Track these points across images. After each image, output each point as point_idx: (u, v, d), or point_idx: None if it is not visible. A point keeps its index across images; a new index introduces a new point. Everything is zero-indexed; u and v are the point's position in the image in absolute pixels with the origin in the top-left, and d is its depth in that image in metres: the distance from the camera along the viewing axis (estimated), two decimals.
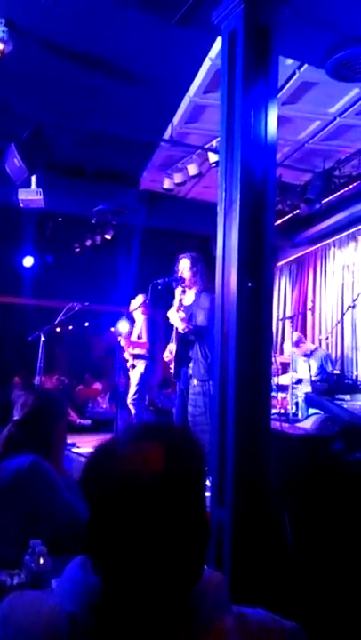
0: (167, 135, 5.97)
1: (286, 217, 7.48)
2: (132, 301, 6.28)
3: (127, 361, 6.30)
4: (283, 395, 6.18)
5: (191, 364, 4.46)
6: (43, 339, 5.89)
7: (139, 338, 6.26)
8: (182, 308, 4.58)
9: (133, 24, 4.11)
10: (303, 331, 8.33)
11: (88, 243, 8.74)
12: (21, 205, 5.95)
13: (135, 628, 0.83)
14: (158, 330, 6.44)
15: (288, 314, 8.71)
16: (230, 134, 2.76)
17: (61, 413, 2.29)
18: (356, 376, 7.01)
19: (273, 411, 4.62)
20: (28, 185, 5.79)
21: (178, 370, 4.56)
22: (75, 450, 5.14)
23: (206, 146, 6.16)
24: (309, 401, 5.17)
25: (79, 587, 0.88)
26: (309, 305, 8.39)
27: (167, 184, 6.76)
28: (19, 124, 5.32)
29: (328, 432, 3.56)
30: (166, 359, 4.76)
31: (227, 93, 2.79)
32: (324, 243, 8.21)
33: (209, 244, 6.84)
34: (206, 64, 4.68)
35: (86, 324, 11.89)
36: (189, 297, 4.66)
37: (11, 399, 2.27)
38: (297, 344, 6.69)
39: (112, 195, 7.36)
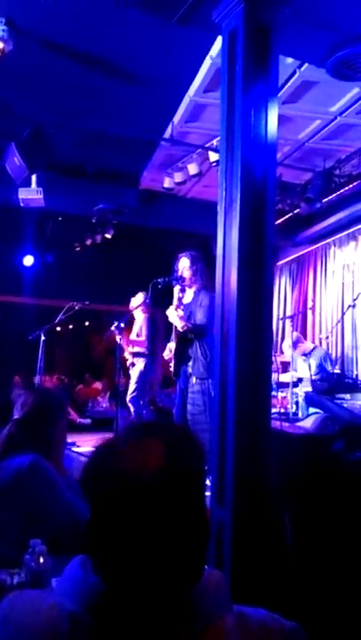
0: (167, 134, 5.97)
1: (286, 216, 7.47)
2: (132, 299, 6.28)
3: (127, 360, 6.31)
4: (283, 394, 6.18)
5: (190, 363, 4.46)
6: (43, 338, 5.90)
7: (138, 336, 6.26)
8: (181, 307, 4.58)
9: (133, 23, 4.11)
10: (303, 330, 8.33)
11: (88, 242, 8.74)
12: (21, 205, 5.95)
13: (135, 627, 0.83)
14: (158, 329, 6.44)
15: (288, 313, 8.71)
16: (231, 133, 2.76)
17: (61, 412, 2.29)
18: (357, 375, 7.01)
19: (273, 410, 4.62)
20: (29, 184, 5.79)
21: (177, 368, 4.57)
22: (75, 449, 5.14)
23: (207, 145, 6.16)
24: (309, 400, 5.17)
25: (79, 586, 0.88)
26: (310, 304, 8.39)
27: (167, 183, 6.76)
28: (19, 124, 5.32)
29: (328, 431, 3.56)
30: (166, 357, 4.76)
31: (227, 92, 2.79)
32: (324, 242, 8.21)
33: (209, 244, 6.83)
34: (207, 63, 4.67)
35: (86, 324, 11.90)
36: (189, 295, 4.66)
37: (11, 398, 2.27)
38: (295, 344, 6.69)
39: (112, 194, 7.36)
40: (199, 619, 0.85)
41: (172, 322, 4.58)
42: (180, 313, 4.51)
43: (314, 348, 6.92)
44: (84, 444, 5.26)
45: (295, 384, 6.18)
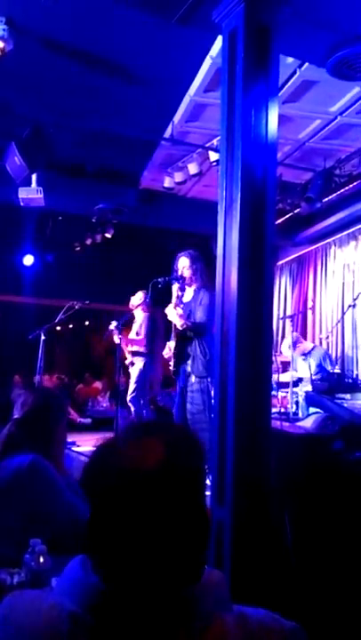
0: (168, 134, 5.97)
1: (287, 216, 7.47)
2: (132, 298, 6.28)
3: (126, 359, 6.31)
4: (283, 393, 6.18)
5: (190, 361, 4.46)
6: (43, 337, 5.90)
7: (137, 335, 6.27)
8: (181, 305, 4.58)
9: (133, 23, 4.11)
10: (303, 330, 8.33)
11: (88, 241, 8.74)
12: (22, 204, 5.95)
13: (135, 627, 0.83)
14: (158, 328, 6.44)
15: (288, 313, 8.71)
16: (231, 133, 2.76)
17: (61, 412, 2.29)
18: (357, 375, 7.01)
19: (273, 409, 4.61)
20: (29, 183, 5.79)
21: (177, 367, 4.57)
22: (75, 448, 5.15)
23: (207, 145, 6.16)
24: (310, 400, 5.17)
25: (79, 586, 0.88)
26: (310, 304, 8.39)
27: (167, 183, 6.76)
28: (19, 124, 5.32)
29: (328, 431, 3.56)
30: (166, 356, 4.77)
31: (227, 92, 2.79)
32: (324, 242, 8.21)
33: (209, 243, 6.83)
34: (207, 63, 4.67)
35: (86, 323, 11.90)
36: (188, 294, 4.66)
37: (11, 398, 2.27)
38: (295, 344, 6.69)
39: (112, 193, 7.36)
40: (199, 619, 0.85)
41: (171, 320, 4.59)
42: (180, 311, 4.51)
43: (313, 348, 6.91)
44: (84, 444, 5.26)
45: (295, 384, 6.17)
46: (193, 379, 4.41)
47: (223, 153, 2.82)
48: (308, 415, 4.38)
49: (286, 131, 5.71)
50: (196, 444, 0.97)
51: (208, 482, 2.50)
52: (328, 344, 7.65)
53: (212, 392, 4.02)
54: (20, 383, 8.62)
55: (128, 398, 6.14)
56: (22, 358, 7.90)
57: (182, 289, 4.64)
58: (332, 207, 7.20)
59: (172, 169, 6.74)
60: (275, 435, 2.99)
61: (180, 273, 4.64)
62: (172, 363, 4.62)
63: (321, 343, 7.69)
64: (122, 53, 4.62)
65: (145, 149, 6.49)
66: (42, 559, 1.58)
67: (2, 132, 5.52)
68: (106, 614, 0.84)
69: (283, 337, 7.82)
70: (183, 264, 4.64)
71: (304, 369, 6.33)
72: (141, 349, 6.19)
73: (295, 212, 7.35)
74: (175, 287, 4.63)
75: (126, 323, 6.05)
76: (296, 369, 6.54)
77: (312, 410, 4.68)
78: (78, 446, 5.25)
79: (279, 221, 7.26)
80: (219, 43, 4.03)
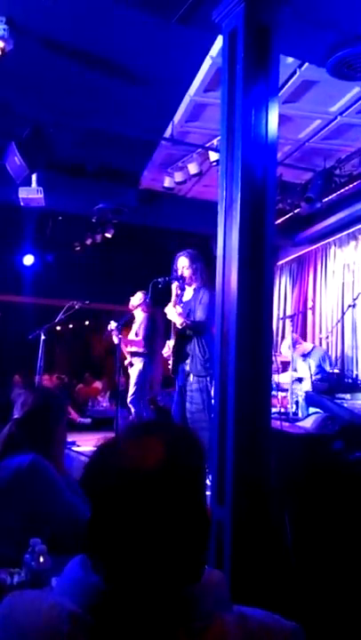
0: (168, 134, 5.97)
1: (287, 216, 7.47)
2: (132, 298, 6.28)
3: (125, 359, 6.31)
4: (283, 393, 6.18)
5: (188, 361, 4.46)
6: (43, 337, 5.89)
7: (136, 335, 6.26)
8: (181, 304, 4.59)
9: (133, 23, 4.11)
10: (303, 330, 8.33)
11: (88, 241, 8.74)
12: (22, 204, 5.95)
13: (135, 626, 0.83)
14: (158, 328, 6.43)
15: (288, 313, 8.71)
16: (231, 133, 2.75)
17: (61, 412, 2.29)
18: (357, 375, 7.01)
19: (273, 409, 4.61)
20: (29, 183, 5.80)
21: (175, 366, 4.57)
22: (75, 448, 5.14)
23: (207, 145, 6.16)
24: (310, 400, 5.17)
25: (79, 586, 0.88)
26: (310, 304, 8.39)
27: (167, 183, 6.76)
28: (19, 124, 5.32)
29: (328, 431, 3.56)
30: (165, 355, 4.77)
31: (227, 92, 2.78)
32: (324, 242, 8.21)
33: (209, 243, 6.84)
34: (207, 63, 4.67)
35: (86, 323, 11.91)
36: (188, 293, 4.66)
37: (11, 398, 2.27)
38: (293, 345, 6.69)
39: (112, 193, 7.36)
40: (199, 619, 0.85)
41: (170, 319, 4.59)
42: (179, 310, 4.52)
43: (313, 349, 6.91)
44: (84, 444, 5.26)
45: (295, 384, 6.17)
46: (192, 378, 4.41)
47: (223, 153, 2.82)
48: (308, 415, 4.38)
49: (286, 131, 5.71)
50: (197, 444, 0.97)
51: (208, 482, 2.50)
52: (328, 344, 7.64)
53: (212, 391, 4.03)
54: (20, 383, 8.63)
55: (128, 400, 6.14)
56: (22, 358, 7.90)
57: (182, 288, 4.64)
58: (332, 207, 7.20)
59: (172, 169, 6.74)
60: (275, 435, 2.99)
61: (179, 273, 4.65)
62: (170, 362, 4.62)
63: (321, 343, 7.69)
64: (122, 53, 4.62)
65: (145, 149, 6.49)
66: (42, 559, 1.58)
67: (2, 131, 5.52)
68: (106, 614, 0.84)
69: (283, 337, 7.82)
70: (183, 264, 4.65)
71: (304, 369, 6.33)
72: (140, 350, 6.19)
73: (295, 212, 7.35)
74: (175, 285, 4.63)
75: (126, 323, 6.05)
76: (296, 369, 6.54)
77: (312, 410, 4.67)
78: (78, 446, 5.25)
79: (279, 221, 7.26)
80: (219, 43, 4.03)
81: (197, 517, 0.91)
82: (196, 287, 4.62)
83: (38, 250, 9.44)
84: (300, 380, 6.28)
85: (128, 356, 6.29)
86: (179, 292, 4.62)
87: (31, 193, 5.82)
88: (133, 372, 6.22)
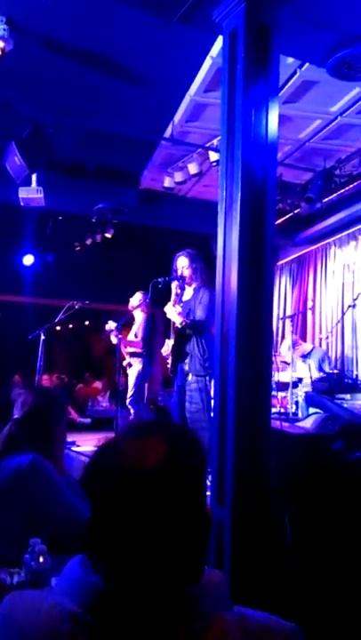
0: (168, 134, 5.97)
1: (287, 216, 7.47)
2: (131, 299, 6.28)
3: (124, 359, 6.31)
4: (283, 394, 6.18)
5: (187, 360, 4.46)
6: (43, 337, 5.89)
7: (136, 336, 6.26)
8: (180, 304, 4.59)
9: (134, 23, 4.11)
10: (303, 330, 8.33)
11: (88, 241, 8.74)
12: (22, 204, 5.95)
13: (135, 626, 0.83)
14: (158, 328, 6.43)
15: (288, 313, 8.70)
16: (231, 133, 2.75)
17: (61, 412, 2.29)
18: (357, 375, 7.01)
19: (273, 410, 4.62)
20: (29, 183, 5.79)
21: (174, 365, 4.57)
22: (75, 448, 5.15)
23: (207, 145, 6.15)
24: (309, 400, 5.17)
25: (79, 586, 0.88)
26: (310, 304, 8.39)
27: (167, 183, 6.76)
28: (19, 124, 5.32)
29: (328, 431, 3.56)
30: (164, 353, 4.77)
31: (228, 92, 2.79)
32: (324, 242, 8.21)
33: (209, 243, 6.84)
34: (207, 63, 4.67)
35: (86, 323, 11.91)
36: (188, 292, 4.67)
37: (11, 398, 2.27)
38: (293, 346, 6.69)
39: (112, 193, 7.36)
40: (199, 619, 0.85)
41: (170, 318, 4.59)
42: (178, 309, 4.52)
43: (312, 349, 6.92)
44: (84, 444, 5.26)
45: (295, 384, 6.18)
46: (190, 377, 4.41)
47: (223, 153, 2.82)
48: (308, 415, 4.38)
49: (286, 131, 5.71)
50: (197, 444, 0.97)
51: (208, 482, 2.50)
52: (328, 344, 7.64)
53: (211, 391, 4.03)
54: (19, 383, 8.63)
55: (127, 401, 6.14)
56: (22, 358, 7.90)
57: (182, 288, 4.64)
58: (332, 207, 7.20)
59: (172, 169, 6.74)
60: (275, 435, 2.99)
61: (179, 273, 4.65)
62: (169, 361, 4.62)
63: (321, 343, 7.69)
64: (122, 53, 4.62)
65: (145, 149, 6.48)
66: (42, 559, 1.58)
67: (2, 131, 5.52)
68: (106, 614, 0.84)
69: (283, 337, 7.82)
70: (182, 263, 4.65)
71: (304, 370, 6.33)
72: (138, 350, 6.19)
73: (295, 212, 7.35)
74: (174, 285, 4.63)
75: (126, 323, 6.05)
76: (295, 370, 6.54)
77: (312, 410, 4.68)
78: (78, 446, 5.25)
79: (279, 221, 7.26)
80: (219, 43, 4.03)
81: (197, 517, 0.91)
82: (195, 287, 4.62)
83: (38, 250, 9.43)
84: (300, 380, 6.29)
85: (127, 357, 6.29)
86: (178, 291, 4.63)
87: (31, 193, 5.82)
88: (132, 373, 6.22)
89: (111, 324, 5.69)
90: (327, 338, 7.72)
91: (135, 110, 5.50)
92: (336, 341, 7.62)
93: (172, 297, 4.62)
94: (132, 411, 6.13)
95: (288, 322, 7.91)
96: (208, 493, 2.43)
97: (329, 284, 8.10)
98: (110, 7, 3.95)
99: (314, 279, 8.47)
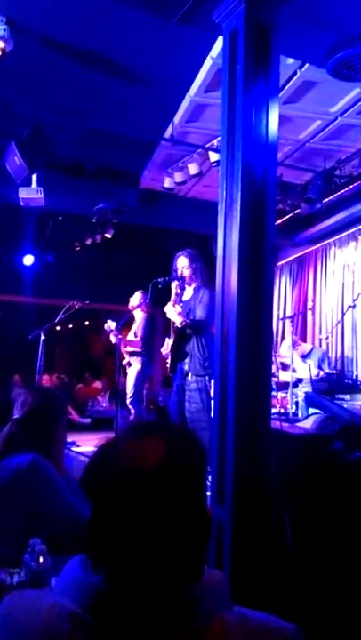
0: (168, 134, 5.97)
1: (287, 216, 7.47)
2: (131, 299, 6.28)
3: (124, 359, 6.31)
4: (283, 394, 6.18)
5: (187, 360, 4.46)
6: (43, 337, 5.89)
7: (135, 336, 6.26)
8: (180, 304, 4.59)
9: (134, 23, 4.11)
10: (303, 330, 8.33)
11: (88, 241, 8.74)
12: (22, 204, 5.95)
13: (135, 626, 0.83)
14: (158, 328, 6.44)
15: (288, 313, 8.70)
16: (231, 133, 2.76)
17: (61, 412, 2.29)
18: (357, 376, 7.01)
19: (273, 410, 4.62)
20: (29, 183, 5.79)
21: (174, 365, 4.57)
22: (75, 448, 5.14)
23: (207, 145, 6.16)
24: (309, 400, 5.17)
25: (79, 586, 0.88)
26: (310, 304, 8.39)
27: (168, 183, 6.76)
28: (19, 124, 5.32)
29: (328, 431, 3.56)
30: (164, 352, 4.77)
31: (228, 92, 2.79)
32: (324, 242, 8.21)
33: (209, 244, 6.85)
34: (207, 63, 4.67)
35: (86, 323, 11.91)
36: (188, 292, 4.67)
37: (11, 398, 2.27)
38: (293, 346, 6.69)
39: (112, 193, 7.35)
40: (199, 619, 0.85)
41: (170, 317, 4.59)
42: (178, 309, 4.52)
43: (312, 350, 6.92)
44: (84, 444, 5.26)
45: (295, 384, 6.18)
46: (190, 377, 4.41)
47: (223, 153, 2.82)
48: (308, 416, 4.38)
49: (287, 131, 5.71)
50: (197, 444, 0.97)
51: (208, 482, 2.50)
52: (328, 344, 7.64)
53: (211, 391, 4.03)
54: (19, 383, 8.63)
55: (127, 401, 6.14)
56: (22, 358, 7.90)
57: (182, 287, 4.64)
58: (333, 208, 7.20)
59: (172, 169, 6.74)
60: (275, 435, 2.99)
61: (179, 272, 4.65)
62: (169, 360, 4.63)
63: (321, 344, 7.69)
64: (122, 53, 4.62)
65: (145, 149, 6.48)
66: (42, 559, 1.58)
67: (2, 131, 5.52)
68: (106, 614, 0.84)
69: (282, 338, 7.82)
70: (182, 263, 4.65)
71: (304, 370, 6.33)
72: (138, 350, 6.19)
73: (295, 212, 7.35)
74: (174, 285, 4.63)
75: (126, 323, 6.05)
76: (295, 370, 6.54)
77: (312, 410, 4.68)
78: (78, 446, 5.25)
79: (279, 222, 7.26)
80: (219, 43, 4.03)
81: (198, 517, 0.91)
82: (195, 286, 4.62)
83: (38, 250, 9.44)
84: (299, 380, 6.29)
85: (126, 356, 6.29)
86: (178, 291, 4.63)
87: (31, 193, 5.82)
88: (132, 373, 6.22)
89: (110, 324, 5.69)
90: (327, 338, 7.72)
91: (135, 110, 5.50)
92: (336, 342, 7.62)
93: (172, 297, 4.62)
94: (132, 411, 6.13)
95: (288, 322, 7.91)
96: (208, 493, 2.43)
97: (329, 284, 8.10)
98: (110, 7, 3.95)
99: (314, 279, 8.47)
